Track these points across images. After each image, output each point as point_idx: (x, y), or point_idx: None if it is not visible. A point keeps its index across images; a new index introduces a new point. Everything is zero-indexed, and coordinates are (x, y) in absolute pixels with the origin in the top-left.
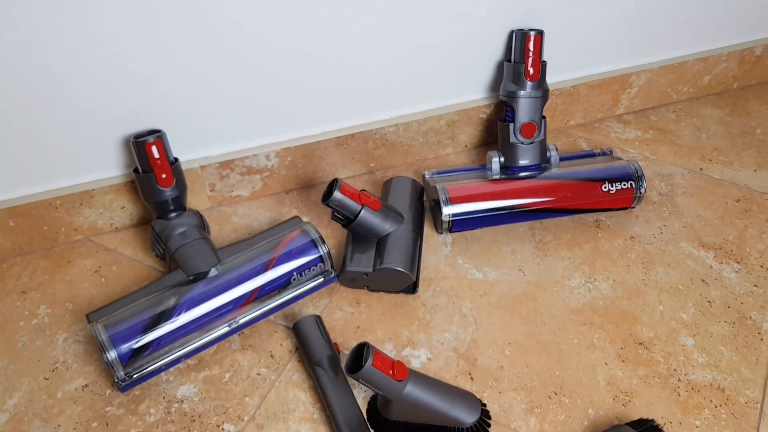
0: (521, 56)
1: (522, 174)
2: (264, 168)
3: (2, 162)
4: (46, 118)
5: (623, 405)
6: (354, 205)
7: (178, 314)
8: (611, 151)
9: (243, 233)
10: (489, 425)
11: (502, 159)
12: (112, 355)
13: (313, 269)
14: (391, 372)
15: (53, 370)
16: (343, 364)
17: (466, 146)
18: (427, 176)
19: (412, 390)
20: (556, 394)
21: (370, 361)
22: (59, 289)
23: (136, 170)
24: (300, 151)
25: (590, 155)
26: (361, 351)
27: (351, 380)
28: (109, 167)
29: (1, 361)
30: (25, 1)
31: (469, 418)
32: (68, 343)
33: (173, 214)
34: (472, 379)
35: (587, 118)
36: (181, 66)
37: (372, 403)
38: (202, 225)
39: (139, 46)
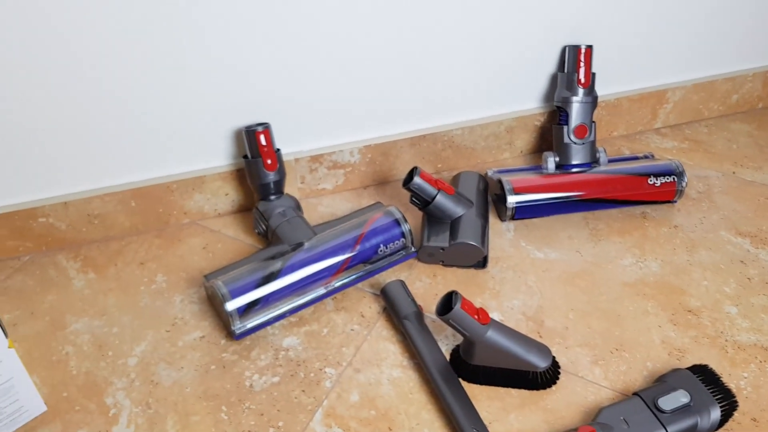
0: (574, 67)
1: (575, 170)
2: (347, 163)
3: (132, 147)
4: (170, 109)
5: (677, 359)
6: (431, 189)
7: (284, 276)
8: (652, 155)
9: (329, 220)
10: (559, 372)
11: (557, 158)
12: (231, 305)
13: (396, 244)
14: (476, 316)
15: (173, 325)
16: (432, 314)
17: (521, 152)
18: (490, 174)
19: (493, 334)
20: (617, 350)
21: (459, 305)
22: (173, 261)
23: (245, 156)
24: (379, 149)
25: (634, 158)
26: (449, 297)
27: (435, 333)
28: (219, 156)
29: (127, 317)
30: (161, 18)
31: (542, 362)
32: (184, 304)
33: (273, 197)
34: (540, 337)
35: (629, 130)
36: (284, 69)
37: (454, 353)
38: (298, 207)
39: (249, 51)
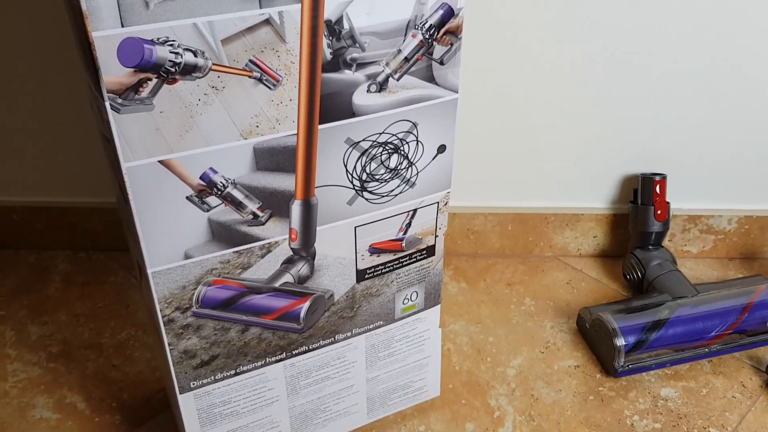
0: None
1: None
2: (721, 231)
3: (523, 175)
4: (568, 148)
5: None
6: None
7: (671, 325)
8: None
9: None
10: None
11: None
12: (620, 341)
13: None
14: None
15: (546, 347)
16: None
17: None
18: None
19: None
20: None
21: None
22: (538, 289)
23: (632, 201)
24: (759, 222)
25: None
26: None
27: None
28: (598, 199)
29: (501, 330)
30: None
31: None
32: (555, 331)
33: (652, 247)
34: None
35: None
36: (684, 126)
37: None
38: (674, 261)
39: (650, 103)
